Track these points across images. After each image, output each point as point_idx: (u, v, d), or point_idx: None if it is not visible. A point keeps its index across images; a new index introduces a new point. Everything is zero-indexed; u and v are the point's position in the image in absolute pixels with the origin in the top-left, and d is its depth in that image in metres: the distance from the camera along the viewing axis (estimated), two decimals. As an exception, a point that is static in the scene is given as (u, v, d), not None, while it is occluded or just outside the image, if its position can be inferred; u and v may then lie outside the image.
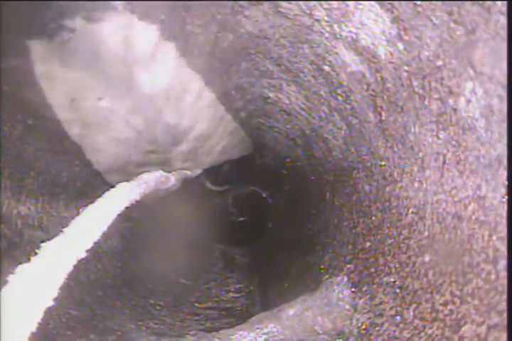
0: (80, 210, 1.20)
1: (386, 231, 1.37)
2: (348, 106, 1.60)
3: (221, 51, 1.89)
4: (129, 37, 1.78)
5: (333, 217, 1.96)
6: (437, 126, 1.06)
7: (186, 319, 2.27)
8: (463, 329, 0.90)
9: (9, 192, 1.78)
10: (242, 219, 3.75)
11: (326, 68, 1.59)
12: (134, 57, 1.86)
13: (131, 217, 2.77)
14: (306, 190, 2.58)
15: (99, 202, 1.29)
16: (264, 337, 1.52)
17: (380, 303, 1.29)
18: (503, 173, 0.84)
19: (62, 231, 1.08)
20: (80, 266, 1.04)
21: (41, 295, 0.92)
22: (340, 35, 1.35)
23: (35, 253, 0.98)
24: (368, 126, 1.48)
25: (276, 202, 3.63)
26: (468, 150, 0.95)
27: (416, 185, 1.20)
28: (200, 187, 3.47)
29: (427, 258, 1.11)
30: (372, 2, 1.13)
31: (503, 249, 0.82)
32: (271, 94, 2.15)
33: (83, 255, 1.06)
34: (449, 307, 0.97)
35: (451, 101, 0.99)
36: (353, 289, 1.49)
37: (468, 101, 0.93)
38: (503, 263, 0.82)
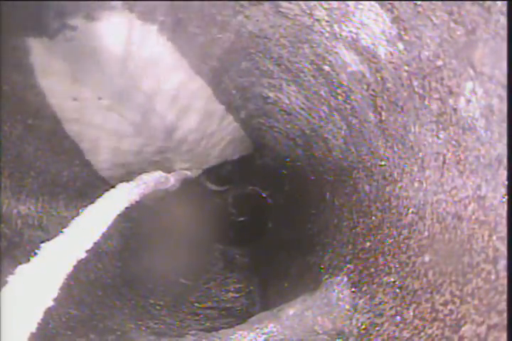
0: (80, 210, 1.19)
1: (386, 231, 1.37)
2: (348, 106, 1.60)
3: (221, 51, 1.89)
4: (128, 36, 1.78)
5: (333, 217, 1.96)
6: (437, 126, 1.06)
7: (186, 319, 2.27)
8: (463, 329, 0.90)
9: (9, 191, 1.78)
10: (242, 219, 3.75)
11: (326, 68, 1.59)
12: (133, 56, 1.86)
13: (131, 217, 2.77)
14: (306, 190, 2.57)
15: (99, 202, 1.29)
16: (264, 336, 1.52)
17: (380, 303, 1.29)
18: (503, 173, 0.84)
19: (62, 231, 1.08)
20: (80, 266, 1.04)
21: (41, 295, 0.92)
22: (341, 35, 1.35)
23: (35, 253, 0.98)
24: (368, 125, 1.48)
25: (276, 202, 3.63)
26: (468, 150, 0.95)
27: (416, 185, 1.20)
28: (200, 187, 3.47)
29: (427, 258, 1.11)
30: (372, 2, 1.13)
31: (503, 249, 0.82)
32: (271, 94, 2.15)
33: (83, 255, 1.06)
34: (449, 307, 0.97)
35: (451, 101, 0.99)
36: (353, 289, 1.49)
37: (468, 101, 0.93)
38: (503, 263, 0.82)
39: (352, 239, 1.66)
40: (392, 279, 1.26)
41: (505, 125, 0.83)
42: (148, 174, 1.84)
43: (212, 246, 3.49)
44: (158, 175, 1.94)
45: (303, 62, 1.71)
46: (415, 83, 1.12)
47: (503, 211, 0.83)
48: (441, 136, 1.06)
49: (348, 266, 1.59)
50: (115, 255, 2.52)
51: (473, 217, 0.93)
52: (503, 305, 0.80)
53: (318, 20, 1.39)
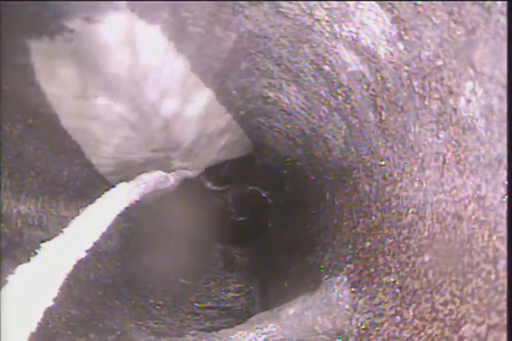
0: (80, 210, 1.19)
1: (386, 231, 1.37)
2: (348, 106, 1.60)
3: (222, 51, 1.89)
4: (130, 36, 1.78)
5: (333, 217, 1.96)
6: (437, 125, 1.06)
7: (186, 318, 2.28)
8: (463, 329, 0.90)
9: (9, 191, 1.78)
10: (242, 219, 3.75)
11: (326, 68, 1.59)
12: (134, 57, 1.86)
13: (131, 217, 2.77)
14: (306, 190, 2.58)
15: (99, 202, 1.29)
16: (264, 336, 1.52)
17: (380, 303, 1.30)
18: (503, 173, 0.84)
19: (62, 230, 1.08)
20: (80, 266, 1.04)
21: (41, 295, 0.92)
22: (341, 35, 1.35)
23: (35, 253, 0.98)
24: (368, 125, 1.48)
25: (276, 202, 3.63)
26: (468, 150, 0.95)
27: (416, 185, 1.20)
28: (200, 187, 3.47)
29: (426, 258, 1.11)
30: (372, 2, 1.13)
31: (503, 248, 0.82)
32: (271, 94, 2.15)
33: (83, 255, 1.06)
34: (448, 307, 0.97)
35: (451, 101, 0.99)
36: (353, 289, 1.49)
37: (468, 101, 0.93)
38: (503, 263, 0.82)
39: (352, 239, 1.66)
40: (392, 279, 1.26)
41: (505, 125, 0.83)
42: (148, 174, 1.84)
43: (212, 246, 3.49)
44: (158, 174, 1.94)
45: (303, 62, 1.71)
46: (415, 83, 1.12)
47: (503, 211, 0.83)
48: (441, 136, 1.06)
49: (348, 266, 1.60)
50: (115, 255, 2.52)
51: (473, 217, 0.93)
52: (503, 305, 0.80)
53: (318, 20, 1.39)
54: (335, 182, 2.01)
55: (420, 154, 1.17)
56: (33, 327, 0.87)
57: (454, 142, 1.00)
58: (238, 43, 1.82)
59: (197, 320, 2.28)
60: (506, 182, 0.83)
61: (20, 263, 0.94)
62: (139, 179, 1.69)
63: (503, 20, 0.80)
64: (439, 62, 1.01)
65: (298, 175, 2.73)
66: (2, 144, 1.73)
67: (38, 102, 1.91)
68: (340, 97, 1.63)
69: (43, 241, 1.02)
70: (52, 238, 1.05)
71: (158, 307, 2.32)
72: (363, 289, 1.42)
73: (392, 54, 1.17)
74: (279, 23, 1.56)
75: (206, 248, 3.44)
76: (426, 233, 1.13)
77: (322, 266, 1.86)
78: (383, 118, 1.35)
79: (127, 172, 2.47)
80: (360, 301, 1.42)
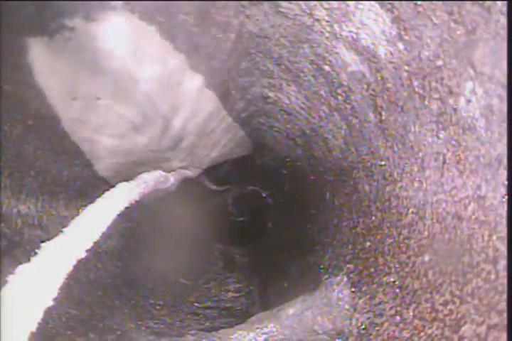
0: (80, 210, 1.20)
1: (386, 231, 1.37)
2: (348, 106, 1.60)
3: (221, 51, 1.89)
4: (129, 36, 1.78)
5: (333, 217, 1.96)
6: (437, 125, 1.06)
7: (186, 318, 2.28)
8: (463, 329, 0.90)
9: (9, 191, 1.78)
10: (242, 219, 3.75)
11: (326, 68, 1.59)
12: (133, 57, 1.86)
13: (131, 217, 2.77)
14: (306, 190, 2.58)
15: (99, 201, 1.29)
16: (264, 336, 1.52)
17: (380, 303, 1.30)
18: (503, 173, 0.84)
19: (62, 230, 1.08)
20: (80, 266, 1.04)
21: (41, 295, 0.92)
22: (341, 35, 1.35)
23: (35, 253, 0.98)
24: (368, 125, 1.48)
25: (276, 202, 3.63)
26: (468, 150, 0.95)
27: (416, 184, 1.20)
28: (200, 187, 3.47)
29: (426, 258, 1.11)
30: (372, 2, 1.13)
31: (503, 249, 0.82)
32: (271, 94, 2.15)
33: (83, 255, 1.06)
34: (448, 307, 0.97)
35: (451, 101, 0.99)
36: (353, 289, 1.49)
37: (469, 101, 0.93)
38: (503, 263, 0.82)
39: (352, 239, 1.66)
40: (392, 279, 1.26)
41: (505, 125, 0.83)
42: (148, 173, 1.84)
43: (212, 246, 3.49)
44: (158, 174, 1.94)
45: (303, 62, 1.71)
46: (415, 83, 1.12)
47: (503, 211, 0.83)
48: (441, 135, 1.06)
49: (348, 266, 1.60)
50: (115, 255, 2.52)
51: (473, 217, 0.93)
52: (503, 305, 0.80)
53: (318, 20, 1.39)
54: (335, 182, 2.01)
55: (420, 154, 1.17)
56: (33, 327, 0.87)
57: (454, 142, 1.00)
58: (238, 43, 1.82)
59: (197, 320, 2.28)
60: (506, 182, 0.83)
61: (21, 263, 0.94)
62: (139, 179, 1.69)
63: (503, 20, 0.80)
64: (439, 62, 1.01)
65: (298, 175, 2.73)
66: (2, 144, 1.73)
67: (38, 102, 1.91)
68: (340, 97, 1.63)
69: (43, 241, 1.02)
70: (52, 238, 1.05)
71: (158, 307, 2.32)
72: (363, 289, 1.42)
73: (392, 54, 1.17)
74: (279, 23, 1.56)
75: (206, 248, 3.44)
76: (426, 233, 1.13)
77: (322, 266, 1.86)
78: (383, 118, 1.35)
79: (127, 172, 2.47)
80: (360, 301, 1.42)
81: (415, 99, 1.14)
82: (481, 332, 0.84)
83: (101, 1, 1.65)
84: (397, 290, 1.21)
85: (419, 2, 1.00)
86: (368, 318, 1.34)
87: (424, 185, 1.15)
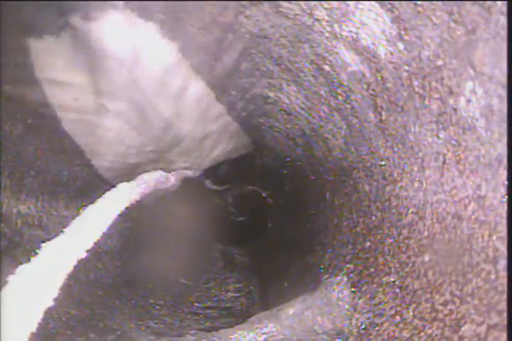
0: (81, 210, 1.20)
1: (386, 231, 1.37)
2: (348, 106, 1.60)
3: (222, 51, 1.89)
4: (129, 36, 1.78)
5: (333, 217, 1.96)
6: (437, 125, 1.06)
7: (186, 318, 2.28)
8: (463, 329, 0.90)
9: (9, 191, 1.78)
10: (242, 219, 3.75)
11: (326, 68, 1.59)
12: (134, 56, 1.86)
13: (131, 217, 2.77)
14: (306, 190, 2.57)
15: (100, 202, 1.29)
16: (264, 336, 1.52)
17: (380, 303, 1.30)
18: (503, 173, 0.84)
19: (62, 230, 1.08)
20: (80, 266, 1.04)
21: (41, 295, 0.92)
22: (341, 35, 1.35)
23: (36, 253, 0.98)
24: (368, 125, 1.48)
25: (276, 202, 3.63)
26: (468, 149, 0.95)
27: (416, 184, 1.20)
28: (200, 187, 3.47)
29: (426, 258, 1.11)
30: (372, 2, 1.13)
31: (503, 248, 0.82)
32: (271, 94, 2.15)
33: (83, 255, 1.06)
34: (448, 307, 0.97)
35: (451, 101, 0.99)
36: (353, 289, 1.49)
37: (469, 101, 0.93)
38: (503, 263, 0.82)
39: (352, 238, 1.66)
40: (392, 279, 1.26)
41: (505, 125, 0.83)
42: (149, 174, 1.84)
43: (212, 246, 3.49)
44: (158, 174, 1.94)
45: (303, 62, 1.71)
46: (415, 83, 1.12)
47: (503, 211, 0.83)
48: (441, 135, 1.06)
49: (348, 266, 1.60)
50: (115, 255, 2.52)
51: (473, 217, 0.93)
52: (503, 305, 0.80)
53: (318, 20, 1.39)
54: (335, 182, 2.01)
55: (420, 154, 1.17)
56: (33, 327, 0.87)
57: (454, 142, 1.00)
58: (238, 43, 1.82)
59: (197, 319, 2.28)
60: (506, 182, 0.83)
61: (21, 263, 0.94)
62: (140, 179, 1.69)
63: (503, 20, 0.80)
64: (439, 62, 1.01)
65: (298, 175, 2.73)
66: (2, 144, 1.73)
67: (38, 102, 1.91)
68: (340, 97, 1.63)
69: (43, 241, 1.02)
70: (52, 238, 1.05)
71: (158, 307, 2.32)
72: (363, 289, 1.42)
73: (392, 54, 1.17)
74: (279, 23, 1.56)
75: (206, 248, 3.44)
76: (426, 233, 1.13)
77: (322, 266, 1.86)
78: (383, 118, 1.35)
79: (127, 172, 2.47)
80: (360, 301, 1.42)
81: (415, 99, 1.14)
82: (481, 332, 0.84)
83: (101, 1, 1.65)
84: (397, 290, 1.21)
85: (419, 2, 1.00)
86: (368, 318, 1.34)
87: (424, 185, 1.15)
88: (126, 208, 1.39)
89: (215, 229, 3.36)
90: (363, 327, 1.35)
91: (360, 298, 1.43)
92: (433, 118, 1.08)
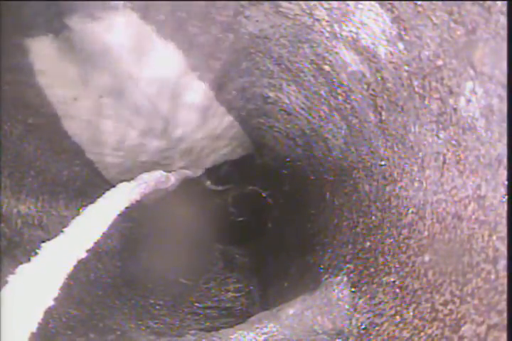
0: (81, 210, 1.19)
1: (386, 231, 1.37)
2: (348, 106, 1.60)
3: (222, 51, 1.89)
4: (129, 36, 1.78)
5: (333, 217, 1.96)
6: (437, 125, 1.06)
7: (186, 318, 2.27)
8: (463, 329, 0.90)
9: (9, 191, 1.78)
10: (242, 219, 3.75)
11: (326, 68, 1.59)
12: (133, 56, 1.86)
13: (131, 217, 2.77)
14: (306, 190, 2.57)
15: (100, 201, 1.29)
16: (264, 336, 1.52)
17: (380, 303, 1.30)
18: (503, 173, 0.84)
19: (62, 230, 1.08)
20: (80, 266, 1.04)
21: (41, 295, 0.92)
22: (341, 35, 1.35)
23: (36, 253, 0.98)
24: (368, 125, 1.48)
25: (276, 202, 3.63)
26: (468, 149, 0.95)
27: (416, 184, 1.20)
28: (200, 187, 3.47)
29: (426, 258, 1.11)
30: (372, 2, 1.13)
31: (503, 248, 0.82)
32: (271, 94, 2.15)
33: (83, 255, 1.06)
34: (448, 307, 0.97)
35: (451, 100, 0.99)
36: (353, 289, 1.49)
37: (469, 100, 0.93)
38: (503, 263, 0.82)
39: (352, 238, 1.66)
40: (392, 279, 1.26)
41: (505, 125, 0.83)
42: (149, 174, 1.84)
43: (212, 246, 3.49)
44: (158, 174, 1.94)
45: (303, 62, 1.71)
46: (415, 83, 1.12)
47: (503, 211, 0.83)
48: (441, 135, 1.06)
49: (348, 265, 1.60)
50: (115, 255, 2.52)
51: (473, 217, 0.93)
52: (503, 305, 0.80)
53: (318, 20, 1.39)
54: (335, 182, 2.01)
55: (420, 154, 1.17)
56: (33, 327, 0.87)
57: (454, 142, 1.00)
58: (238, 43, 1.82)
59: (197, 319, 2.28)
60: (506, 182, 0.83)
61: (21, 263, 0.94)
62: (140, 179, 1.69)
63: (503, 20, 0.80)
64: (439, 62, 1.01)
65: (298, 175, 2.73)
66: (2, 144, 1.73)
67: (38, 102, 1.91)
68: (340, 97, 1.63)
69: (43, 241, 1.02)
70: (52, 238, 1.05)
71: (158, 307, 2.32)
72: (363, 289, 1.42)
73: (392, 54, 1.17)
74: (279, 23, 1.56)
75: (206, 248, 3.44)
76: (426, 233, 1.13)
77: (322, 266, 1.86)
78: (383, 118, 1.35)
79: (127, 172, 2.47)
80: (360, 301, 1.42)
81: (415, 99, 1.14)
82: (481, 332, 0.84)
83: (102, 1, 1.65)
84: (397, 290, 1.21)
85: (419, 2, 1.00)
86: (368, 318, 1.34)
87: (424, 185, 1.15)
88: (126, 208, 1.39)
89: (215, 229, 3.36)
90: (363, 327, 1.35)
91: (360, 298, 1.43)
92: (433, 118, 1.08)
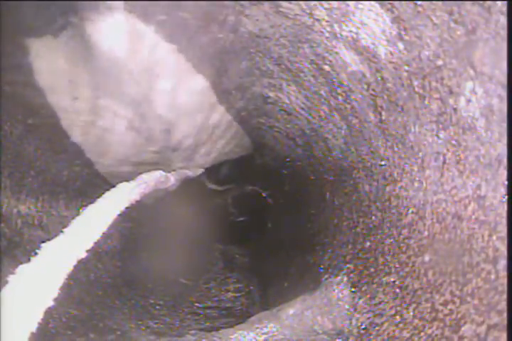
0: (81, 210, 1.20)
1: (386, 231, 1.37)
2: (348, 106, 1.60)
3: (221, 51, 1.89)
4: (128, 36, 1.78)
5: (333, 217, 1.96)
6: (437, 125, 1.06)
7: (186, 318, 2.28)
8: (463, 329, 0.90)
9: (9, 191, 1.78)
10: (242, 219, 3.75)
11: (326, 68, 1.59)
12: (133, 56, 1.86)
13: (131, 217, 2.77)
14: (306, 190, 2.57)
15: (100, 201, 1.29)
16: (264, 336, 1.52)
17: (380, 303, 1.30)
18: (503, 173, 0.84)
19: (62, 230, 1.08)
20: (80, 266, 1.04)
21: (41, 295, 0.92)
22: (341, 35, 1.35)
23: (35, 253, 0.98)
24: (368, 125, 1.48)
25: (276, 202, 3.63)
26: (468, 150, 0.95)
27: (416, 184, 1.20)
28: (200, 187, 3.47)
29: (426, 258, 1.11)
30: (372, 2, 1.13)
31: (503, 248, 0.82)
32: (271, 94, 2.15)
33: (83, 255, 1.06)
34: (448, 307, 0.97)
35: (451, 100, 0.99)
36: (353, 289, 1.49)
37: (469, 100, 0.93)
38: (502, 263, 0.82)
39: (352, 238, 1.66)
40: (392, 279, 1.26)
41: (505, 125, 0.83)
42: (149, 173, 1.84)
43: (212, 246, 3.49)
44: (158, 174, 1.94)
45: (303, 62, 1.71)
46: (415, 83, 1.12)
47: (503, 211, 0.83)
48: (441, 135, 1.06)
49: (348, 266, 1.60)
50: (115, 255, 2.52)
51: (473, 217, 0.93)
52: (503, 305, 0.80)
53: (318, 20, 1.39)
54: (335, 182, 2.01)
55: (420, 154, 1.17)
56: (33, 327, 0.87)
57: (454, 142, 1.00)
58: (238, 43, 1.82)
59: (197, 319, 2.28)
60: (506, 182, 0.83)
61: (21, 263, 0.94)
62: (140, 179, 1.69)
63: (503, 20, 0.80)
64: (439, 62, 1.01)
65: (298, 175, 2.73)
66: (2, 144, 1.73)
67: (38, 102, 1.91)
68: (340, 97, 1.63)
69: (43, 241, 1.02)
70: (52, 238, 1.05)
71: (158, 307, 2.32)
72: (363, 289, 1.42)
73: (392, 54, 1.17)
74: (279, 23, 1.56)
75: (206, 248, 3.44)
76: (426, 233, 1.13)
77: (322, 266, 1.86)
78: (383, 118, 1.35)
79: (127, 172, 2.47)
80: (360, 301, 1.42)
81: (415, 99, 1.14)
82: (481, 332, 0.84)
83: (100, 1, 1.65)
84: (397, 290, 1.21)
85: (419, 2, 1.00)
86: (368, 318, 1.34)
87: (424, 185, 1.15)
88: (126, 208, 1.39)
89: (215, 229, 3.36)
90: (363, 327, 1.35)
91: (360, 298, 1.43)
92: (433, 118, 1.08)
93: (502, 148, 0.84)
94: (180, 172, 2.51)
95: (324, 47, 1.49)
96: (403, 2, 1.04)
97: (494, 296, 0.83)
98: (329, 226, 2.00)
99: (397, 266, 1.25)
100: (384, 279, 1.31)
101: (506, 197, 0.83)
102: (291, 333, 1.50)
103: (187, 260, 2.82)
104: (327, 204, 2.10)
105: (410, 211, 1.23)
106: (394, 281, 1.25)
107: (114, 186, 1.48)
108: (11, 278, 0.90)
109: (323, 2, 1.29)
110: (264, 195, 3.72)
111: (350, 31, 1.29)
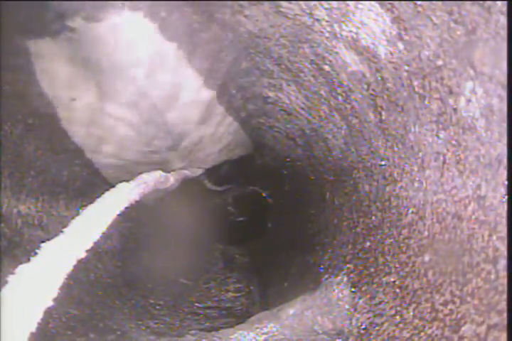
0: (80, 210, 1.20)
1: (386, 231, 1.37)
2: (348, 106, 1.60)
3: (222, 51, 1.89)
4: (129, 35, 1.78)
5: (333, 217, 1.96)
6: (437, 125, 1.06)
7: (186, 318, 2.28)
8: (463, 329, 0.90)
9: (9, 191, 1.78)
10: (242, 219, 3.75)
11: (326, 68, 1.59)
12: (133, 56, 1.86)
13: (131, 217, 2.77)
14: (306, 190, 2.57)
15: (99, 202, 1.29)
16: (264, 336, 1.52)
17: (380, 303, 1.30)
18: (503, 173, 0.84)
19: (62, 230, 1.08)
20: (80, 266, 1.04)
21: (41, 295, 0.92)
22: (341, 35, 1.35)
23: (35, 253, 0.98)
24: (368, 125, 1.48)
25: (276, 202, 3.63)
26: (468, 150, 0.95)
27: (416, 184, 1.20)
28: (200, 187, 3.47)
29: (426, 258, 1.11)
30: (372, 2, 1.13)
31: (503, 248, 0.82)
32: (271, 94, 2.15)
33: (83, 255, 1.06)
34: (448, 307, 0.97)
35: (451, 100, 0.99)
36: (353, 289, 1.49)
37: (469, 100, 0.93)
38: (503, 263, 0.82)
39: (352, 238, 1.66)
40: (392, 279, 1.26)
41: (505, 125, 0.83)
42: (148, 173, 1.84)
43: (212, 246, 3.49)
44: (158, 174, 1.94)
45: (303, 62, 1.71)
46: (415, 83, 1.12)
47: (503, 211, 0.83)
48: (441, 135, 1.06)
49: (348, 266, 1.60)
50: (115, 255, 2.52)
51: (473, 217, 0.93)
52: (503, 305, 0.80)
53: (318, 19, 1.39)
54: (335, 182, 2.01)
55: (420, 154, 1.17)
56: (33, 327, 0.87)
57: (454, 142, 1.00)
58: (238, 43, 1.82)
59: (197, 319, 2.28)
60: (506, 182, 0.83)
61: (21, 263, 0.94)
62: (139, 179, 1.69)
63: (503, 20, 0.80)
64: (439, 62, 1.01)
65: (298, 175, 2.73)
66: (2, 144, 1.73)
67: (38, 102, 1.92)
68: (340, 97, 1.63)
69: (43, 241, 1.02)
70: (52, 238, 1.05)
71: (158, 307, 2.32)
72: (363, 289, 1.42)
73: (392, 54, 1.17)
74: (279, 23, 1.56)
75: (206, 248, 3.44)
76: (426, 233, 1.13)
77: (322, 266, 1.86)
78: (383, 118, 1.35)
79: (127, 172, 2.47)
80: (360, 301, 1.42)
81: (415, 99, 1.14)
82: (481, 332, 0.84)
83: (103, 1, 1.65)
84: (397, 290, 1.21)
85: (419, 2, 1.00)
86: (368, 318, 1.34)
87: (424, 185, 1.15)
88: (126, 208, 1.39)
89: (215, 229, 3.36)
90: (363, 327, 1.35)
91: (360, 298, 1.43)
92: (433, 118, 1.08)
93: (502, 148, 0.84)
94: (180, 172, 2.51)
95: (324, 47, 1.49)
96: (403, 2, 1.04)
97: (494, 296, 0.83)
98: (329, 226, 2.00)
99: (397, 266, 1.25)
100: (384, 279, 1.31)
101: (506, 197, 0.83)
102: (291, 333, 1.50)
103: (187, 260, 2.82)
104: (327, 204, 2.10)
105: (410, 211, 1.23)
106: (394, 281, 1.25)
107: (113, 186, 1.48)
108: (11, 278, 0.90)
109: (323, 2, 1.29)
110: (264, 194, 3.72)
111: (350, 31, 1.29)
